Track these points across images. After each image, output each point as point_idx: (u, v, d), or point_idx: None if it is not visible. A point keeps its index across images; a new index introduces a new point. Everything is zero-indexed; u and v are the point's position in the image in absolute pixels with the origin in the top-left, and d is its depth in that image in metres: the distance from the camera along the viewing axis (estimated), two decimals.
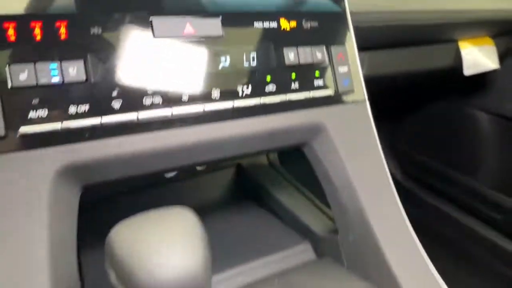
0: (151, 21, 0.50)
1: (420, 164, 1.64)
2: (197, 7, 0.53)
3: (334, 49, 0.61)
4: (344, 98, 0.62)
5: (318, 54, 0.60)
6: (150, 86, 0.49)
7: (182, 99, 0.51)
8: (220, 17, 0.54)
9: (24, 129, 0.43)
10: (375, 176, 0.62)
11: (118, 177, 0.50)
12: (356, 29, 0.67)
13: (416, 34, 0.90)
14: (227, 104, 0.53)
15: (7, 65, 0.43)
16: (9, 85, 0.43)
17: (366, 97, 0.64)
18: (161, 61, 0.50)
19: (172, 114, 0.50)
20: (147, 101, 0.49)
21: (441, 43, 0.99)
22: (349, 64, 0.63)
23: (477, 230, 1.42)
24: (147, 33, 0.49)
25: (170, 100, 0.50)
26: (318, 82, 0.60)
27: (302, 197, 0.81)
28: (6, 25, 0.43)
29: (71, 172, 0.46)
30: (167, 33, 0.50)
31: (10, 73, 0.43)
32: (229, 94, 0.54)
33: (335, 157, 0.61)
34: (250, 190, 0.90)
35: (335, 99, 0.61)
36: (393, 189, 0.62)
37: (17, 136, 0.43)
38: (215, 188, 0.90)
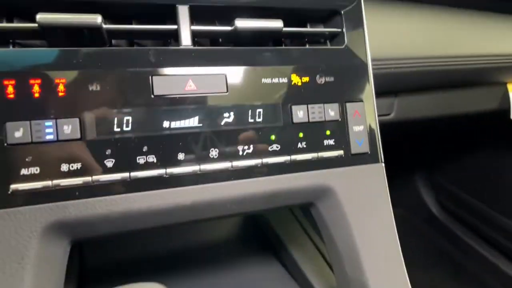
0: (151, 79, 0.48)
1: (458, 200, 1.53)
2: (200, 62, 0.51)
3: (349, 106, 0.57)
4: (357, 159, 0.57)
5: (331, 112, 0.56)
6: (144, 145, 0.48)
7: (178, 158, 0.49)
8: (225, 75, 0.51)
9: (15, 187, 0.43)
10: (384, 247, 0.57)
11: (107, 233, 0.49)
12: (387, 75, 0.62)
13: (456, 78, 0.83)
14: (226, 165, 0.51)
15: (4, 123, 0.43)
16: (5, 143, 0.43)
17: (382, 157, 0.59)
18: (158, 119, 0.48)
19: (166, 173, 0.48)
20: (140, 160, 0.48)
21: (486, 85, 0.90)
22: (366, 123, 0.58)
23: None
24: (147, 90, 0.48)
25: (164, 159, 0.48)
26: (328, 142, 0.56)
27: (316, 253, 0.77)
28: (5, 82, 0.44)
29: (59, 229, 0.46)
30: (167, 90, 0.49)
31: (6, 131, 0.43)
32: (228, 153, 0.51)
33: (342, 222, 0.57)
34: (268, 238, 0.87)
35: (346, 161, 0.57)
36: (402, 260, 0.57)
37: (8, 193, 0.43)
38: (234, 233, 0.88)
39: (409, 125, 0.70)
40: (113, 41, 0.52)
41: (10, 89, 0.44)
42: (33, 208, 0.44)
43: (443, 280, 1.24)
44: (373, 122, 0.59)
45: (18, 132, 0.43)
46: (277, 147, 0.53)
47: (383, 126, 0.63)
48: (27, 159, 0.44)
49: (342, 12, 0.59)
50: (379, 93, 0.63)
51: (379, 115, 0.62)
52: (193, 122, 0.50)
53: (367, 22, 0.60)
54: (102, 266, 0.57)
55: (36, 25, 0.45)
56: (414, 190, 1.41)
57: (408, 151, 1.40)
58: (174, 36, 0.52)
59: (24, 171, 0.44)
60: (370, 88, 0.59)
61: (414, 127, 0.71)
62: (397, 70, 0.70)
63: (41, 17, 0.45)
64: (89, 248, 0.73)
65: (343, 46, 0.58)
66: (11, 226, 0.43)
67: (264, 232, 0.88)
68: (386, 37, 0.71)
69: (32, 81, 0.44)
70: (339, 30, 0.59)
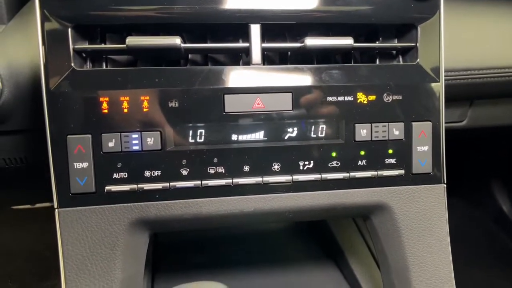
0: (223, 97, 0.52)
1: None
2: (268, 80, 0.53)
3: (415, 126, 0.56)
4: (417, 179, 0.57)
5: (395, 131, 0.56)
6: (215, 157, 0.53)
7: (243, 170, 0.54)
8: (291, 93, 0.53)
9: (109, 188, 0.51)
10: (436, 268, 0.58)
11: (181, 229, 0.57)
12: (461, 85, 0.59)
13: None
14: (286, 178, 0.54)
15: (101, 134, 0.51)
16: (101, 151, 0.51)
17: (444, 178, 0.58)
18: (227, 133, 0.53)
19: (232, 183, 0.54)
20: (211, 170, 0.53)
21: None
22: (431, 143, 0.57)
23: None
24: (219, 107, 0.52)
25: (232, 171, 0.53)
26: (389, 161, 0.56)
27: (372, 263, 0.79)
28: (101, 99, 0.50)
29: (142, 224, 0.54)
30: (236, 108, 0.53)
31: (102, 141, 0.51)
32: (290, 167, 0.54)
33: (396, 239, 0.58)
34: (326, 240, 0.91)
35: (406, 180, 0.57)
36: (453, 284, 0.57)
37: (104, 193, 0.52)
38: (292, 233, 0.93)
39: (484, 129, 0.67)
40: (190, 56, 0.57)
41: (105, 105, 0.50)
42: (122, 207, 0.52)
43: (503, 279, 1.20)
44: (439, 143, 0.57)
45: (111, 143, 0.51)
46: (337, 163, 0.55)
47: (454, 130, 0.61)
48: (118, 165, 0.51)
49: (419, 26, 0.56)
50: (451, 100, 0.61)
51: (450, 122, 0.61)
52: (258, 136, 0.54)
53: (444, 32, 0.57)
54: (171, 260, 0.67)
55: (125, 46, 0.51)
56: (486, 185, 1.33)
57: (481, 148, 1.32)
58: (245, 51, 0.54)
59: (115, 175, 0.52)
60: (440, 107, 0.57)
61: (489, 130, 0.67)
62: (472, 80, 0.66)
63: (129, 40, 0.50)
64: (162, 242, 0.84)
65: (415, 63, 0.57)
66: (105, 219, 0.52)
67: (323, 234, 0.92)
68: (461, 46, 0.67)
69: (122, 98, 0.51)
70: (413, 44, 0.57)
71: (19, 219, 1.22)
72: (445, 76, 0.58)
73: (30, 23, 0.55)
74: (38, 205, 1.07)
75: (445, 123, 0.58)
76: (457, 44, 0.67)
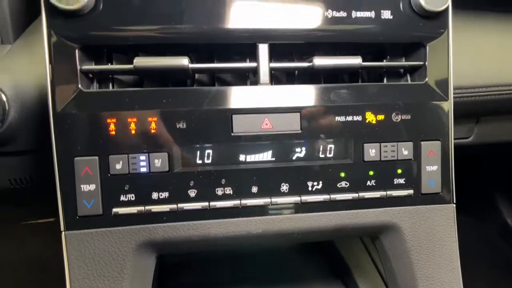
0: (231, 117, 0.52)
1: None
2: (276, 100, 0.53)
3: (424, 146, 0.56)
4: (426, 199, 0.57)
5: (404, 151, 0.55)
6: (223, 178, 0.52)
7: (252, 191, 0.53)
8: (299, 113, 0.53)
9: (116, 210, 0.51)
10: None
11: (188, 251, 0.56)
12: (469, 102, 0.59)
13: None
14: (295, 199, 0.54)
15: (108, 155, 0.50)
16: (108, 173, 0.50)
17: (454, 198, 0.58)
18: (235, 154, 0.52)
19: (240, 204, 0.53)
20: (219, 192, 0.53)
21: None
22: (440, 163, 0.56)
23: None
24: (227, 128, 0.52)
25: (240, 192, 0.53)
26: (398, 181, 0.56)
27: (381, 283, 0.78)
28: (108, 120, 0.50)
29: (149, 246, 0.53)
30: (244, 129, 0.52)
31: (109, 163, 0.50)
32: (298, 188, 0.54)
33: (405, 259, 0.58)
34: (337, 265, 0.90)
35: (415, 200, 0.56)
36: None
37: (111, 215, 0.51)
38: (302, 256, 0.92)
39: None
40: (197, 75, 0.56)
41: (112, 127, 0.50)
42: (130, 229, 0.52)
43: None
44: (448, 162, 0.57)
45: (118, 165, 0.50)
46: (345, 184, 0.55)
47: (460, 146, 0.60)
48: (125, 188, 0.51)
49: (427, 45, 0.56)
50: (458, 117, 0.60)
51: (457, 138, 0.60)
52: (267, 156, 0.53)
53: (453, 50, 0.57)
54: (177, 279, 0.66)
55: (132, 66, 0.50)
56: (490, 199, 1.33)
57: (486, 163, 1.31)
58: (253, 71, 0.54)
59: (123, 198, 0.51)
60: (449, 126, 0.57)
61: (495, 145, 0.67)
62: (479, 98, 0.66)
63: (137, 61, 0.50)
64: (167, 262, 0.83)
65: (423, 82, 0.56)
66: (112, 242, 0.52)
67: (329, 252, 0.91)
68: (468, 63, 0.67)
69: (129, 120, 0.50)
70: (421, 63, 0.56)
71: (22, 231, 1.21)
72: (453, 93, 0.58)
73: (37, 42, 0.55)
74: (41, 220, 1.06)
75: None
76: (463, 61, 0.66)
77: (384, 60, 0.59)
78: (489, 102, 0.68)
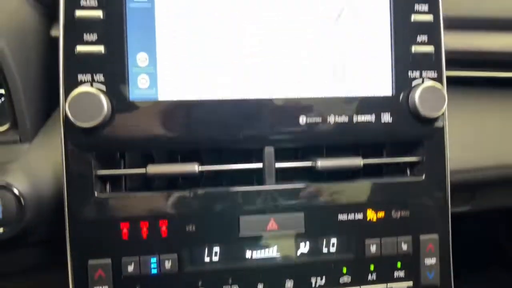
0: (238, 219, 0.54)
1: None
2: (282, 201, 0.56)
3: (423, 239, 0.58)
4: None
5: (404, 245, 0.58)
6: (230, 277, 0.55)
7: None
8: (303, 213, 0.55)
9: None
10: None
11: None
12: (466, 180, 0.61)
13: None
14: None
15: (121, 258, 0.52)
16: (122, 275, 0.53)
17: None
18: (241, 254, 0.55)
19: None
20: None
21: None
22: (439, 256, 0.59)
23: None
24: (234, 230, 0.54)
25: None
26: (398, 274, 0.58)
27: None
28: (122, 225, 0.53)
29: None
30: (251, 230, 0.55)
31: (122, 265, 0.53)
32: (302, 284, 0.56)
33: None
34: None
35: None
36: None
37: None
38: None
39: None
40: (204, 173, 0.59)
41: (125, 231, 0.53)
42: None
43: None
44: (447, 254, 0.59)
45: (130, 266, 0.53)
46: (347, 278, 0.57)
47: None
48: None
49: (425, 142, 0.59)
50: (455, 189, 0.63)
51: (453, 207, 0.62)
52: (272, 254, 0.56)
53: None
54: None
55: (144, 171, 0.53)
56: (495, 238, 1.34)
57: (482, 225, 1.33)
58: (259, 172, 0.57)
59: None
60: (446, 220, 0.59)
61: None
62: (477, 178, 0.69)
63: (150, 168, 0.53)
64: None
65: (422, 178, 0.59)
66: None
67: None
68: (465, 146, 0.69)
69: (142, 224, 0.53)
70: (419, 159, 0.59)
71: None
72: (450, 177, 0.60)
73: (54, 142, 0.57)
74: None
75: None
76: (461, 145, 0.69)
77: (384, 155, 0.61)
78: (486, 181, 0.71)
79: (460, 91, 0.74)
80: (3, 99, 0.62)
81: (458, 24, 0.69)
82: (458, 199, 0.77)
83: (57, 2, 0.54)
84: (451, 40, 0.66)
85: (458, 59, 0.70)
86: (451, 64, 0.63)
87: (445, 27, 0.60)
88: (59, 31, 0.52)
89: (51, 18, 0.62)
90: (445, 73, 0.59)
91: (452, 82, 0.64)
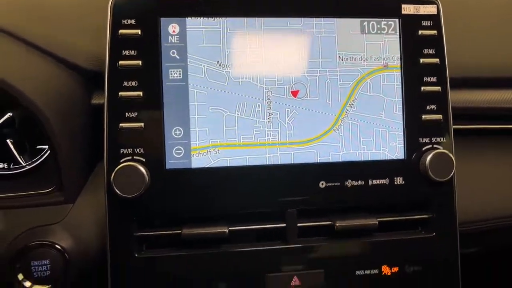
0: (265, 278, 0.59)
1: None
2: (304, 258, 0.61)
3: None
4: None
5: None
6: None
7: None
8: (323, 270, 0.61)
9: None
10: None
11: None
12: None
13: None
14: None
15: None
16: None
17: None
18: None
19: None
20: None
21: None
22: None
23: None
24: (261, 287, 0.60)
25: None
26: None
27: None
28: (158, 283, 0.58)
29: None
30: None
31: None
32: None
33: None
34: None
35: None
36: None
37: None
38: None
39: None
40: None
41: None
42: None
43: None
44: None
45: None
46: None
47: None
48: None
49: (436, 200, 0.64)
50: (465, 238, 0.67)
51: (461, 249, 0.66)
52: None
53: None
54: None
55: (179, 231, 0.59)
56: None
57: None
58: (282, 229, 0.62)
59: None
60: (457, 275, 0.64)
61: None
62: (486, 229, 0.73)
63: (185, 231, 0.58)
64: None
65: (433, 234, 0.64)
66: None
67: None
68: (474, 198, 0.73)
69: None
70: (430, 216, 0.64)
71: None
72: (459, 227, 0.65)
73: (96, 203, 0.63)
74: None
75: None
76: (470, 197, 0.73)
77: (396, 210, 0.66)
78: (494, 232, 0.75)
79: (469, 140, 0.79)
80: (45, 157, 0.67)
81: (462, 83, 0.74)
82: (468, 242, 0.81)
83: (99, 77, 0.62)
84: (457, 96, 0.71)
85: (464, 114, 0.75)
86: (459, 119, 0.68)
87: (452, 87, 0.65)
88: (104, 110, 0.58)
89: (92, 88, 0.68)
90: (454, 127, 0.64)
91: (461, 134, 0.70)
